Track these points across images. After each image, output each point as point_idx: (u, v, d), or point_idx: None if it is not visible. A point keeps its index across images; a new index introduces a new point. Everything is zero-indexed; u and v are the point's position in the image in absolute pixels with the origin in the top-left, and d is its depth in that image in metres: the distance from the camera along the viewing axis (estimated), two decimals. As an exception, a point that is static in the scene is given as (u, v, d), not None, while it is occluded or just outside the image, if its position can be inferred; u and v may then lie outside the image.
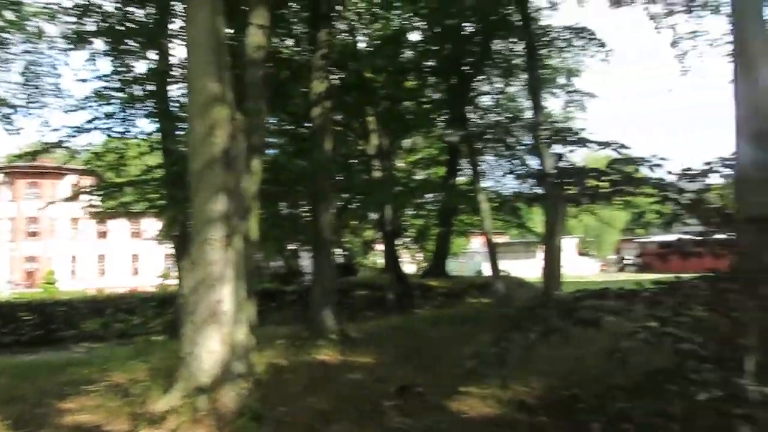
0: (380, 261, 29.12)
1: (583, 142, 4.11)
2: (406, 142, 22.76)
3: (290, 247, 23.71)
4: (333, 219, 13.19)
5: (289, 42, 17.35)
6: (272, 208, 17.23)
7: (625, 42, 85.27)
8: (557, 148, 6.02)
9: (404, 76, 19.95)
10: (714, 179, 4.67)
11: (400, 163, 24.81)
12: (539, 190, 5.28)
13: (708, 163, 3.72)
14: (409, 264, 29.07)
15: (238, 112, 7.28)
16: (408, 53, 19.87)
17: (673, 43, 20.27)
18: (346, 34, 19.32)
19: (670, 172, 3.82)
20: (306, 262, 22.64)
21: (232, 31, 12.22)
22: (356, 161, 21.22)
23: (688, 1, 19.42)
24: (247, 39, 9.57)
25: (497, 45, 19.67)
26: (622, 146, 3.87)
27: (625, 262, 42.54)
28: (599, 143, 3.92)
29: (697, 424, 3.32)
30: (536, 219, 27.40)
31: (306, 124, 15.85)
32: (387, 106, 19.47)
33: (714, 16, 19.47)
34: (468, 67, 20.10)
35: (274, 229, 17.22)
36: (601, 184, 3.87)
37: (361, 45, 20.10)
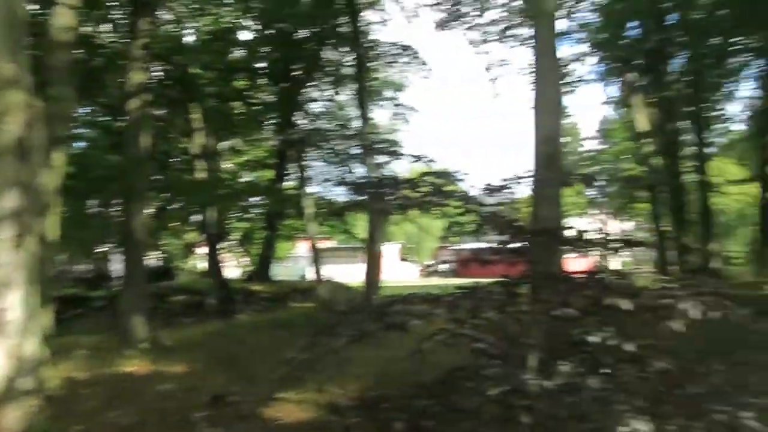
0: (202, 265, 27.93)
1: (398, 154, 4.34)
2: (225, 144, 22.17)
3: (99, 248, 21.80)
4: (148, 220, 12.39)
5: (106, 28, 16.03)
6: (79, 206, 15.72)
7: (459, 65, 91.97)
8: (378, 158, 6.32)
9: (233, 75, 19.44)
10: (516, 194, 5.19)
11: (226, 165, 24.11)
12: (361, 198, 5.45)
13: (505, 180, 4.12)
14: (234, 268, 28.27)
15: (38, 98, 6.53)
16: (238, 52, 19.41)
17: (487, 68, 22.32)
18: (172, 26, 18.34)
19: (473, 187, 4.18)
20: (118, 265, 20.97)
21: (36, 7, 11.02)
22: (178, 160, 20.20)
23: (501, 31, 21.50)
24: (53, 18, 8.65)
25: (329, 53, 20.02)
26: (432, 160, 4.16)
27: (438, 268, 45.35)
28: (412, 156, 4.18)
29: (488, 417, 3.63)
30: (361, 225, 28.24)
31: (122, 117, 14.74)
32: (214, 105, 18.80)
33: (522, 47, 21.80)
34: (299, 72, 20.17)
35: (81, 229, 15.70)
36: (413, 194, 4.11)
37: (188, 38, 19.21)
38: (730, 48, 18.79)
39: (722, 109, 28.18)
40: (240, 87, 19.96)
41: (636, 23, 23.49)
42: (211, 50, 17.99)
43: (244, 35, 19.37)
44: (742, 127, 30.30)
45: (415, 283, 32.67)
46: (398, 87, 24.04)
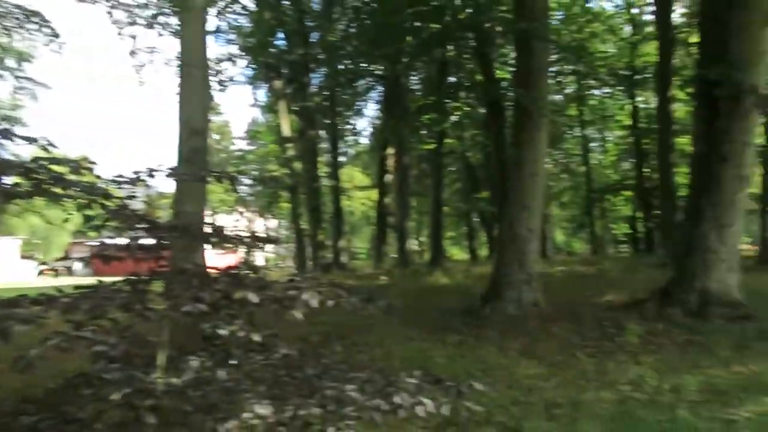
0: None
1: (9, 134, 3.70)
2: None
3: None
4: None
5: None
6: None
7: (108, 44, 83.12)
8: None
9: None
10: (154, 188, 4.96)
11: None
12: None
13: (137, 173, 3.91)
14: None
15: None
16: None
17: (132, 53, 21.01)
18: None
19: (99, 177, 3.84)
20: None
21: None
22: None
23: (150, 17, 20.45)
24: None
25: None
26: (51, 144, 3.67)
27: (63, 266, 40.48)
28: (26, 138, 3.62)
29: (110, 423, 3.41)
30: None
31: None
32: None
33: (172, 38, 21.11)
34: None
35: None
36: (25, 182, 3.57)
37: None
38: (360, 71, 21.59)
39: (353, 124, 32.53)
40: None
41: (283, 35, 25.19)
42: None
43: None
44: (367, 141, 35.51)
45: (37, 284, 28.64)
46: (24, 57, 20.75)
